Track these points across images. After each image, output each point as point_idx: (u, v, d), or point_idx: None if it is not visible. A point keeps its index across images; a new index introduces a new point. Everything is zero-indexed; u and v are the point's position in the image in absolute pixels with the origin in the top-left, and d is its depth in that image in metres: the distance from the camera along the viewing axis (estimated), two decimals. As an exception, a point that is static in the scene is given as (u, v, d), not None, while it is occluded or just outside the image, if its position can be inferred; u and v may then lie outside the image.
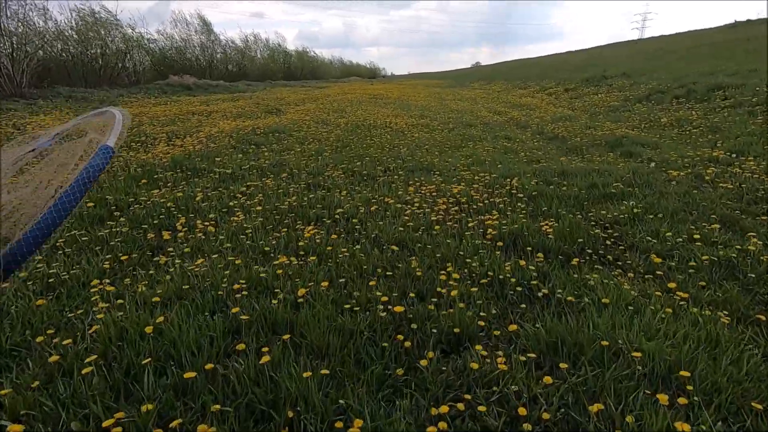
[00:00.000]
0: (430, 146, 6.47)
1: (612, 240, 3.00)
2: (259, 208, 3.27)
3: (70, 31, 16.98)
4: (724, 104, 8.35)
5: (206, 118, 9.00)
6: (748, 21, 22.57)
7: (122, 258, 2.51)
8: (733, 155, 5.25)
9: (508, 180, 4.29)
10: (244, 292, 2.05)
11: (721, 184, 4.13)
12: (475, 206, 3.57)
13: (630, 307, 2.06)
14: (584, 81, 17.43)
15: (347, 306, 1.99)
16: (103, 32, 18.30)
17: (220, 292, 2.05)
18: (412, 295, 2.15)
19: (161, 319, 1.83)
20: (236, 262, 2.35)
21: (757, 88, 8.60)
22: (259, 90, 20.91)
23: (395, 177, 4.53)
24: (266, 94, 18.06)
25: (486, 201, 3.65)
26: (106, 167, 1.27)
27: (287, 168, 4.76)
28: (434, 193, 3.86)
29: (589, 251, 2.80)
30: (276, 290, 2.10)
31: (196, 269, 2.31)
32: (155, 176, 4.26)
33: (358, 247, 2.72)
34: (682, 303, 2.11)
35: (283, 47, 38.34)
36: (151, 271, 2.33)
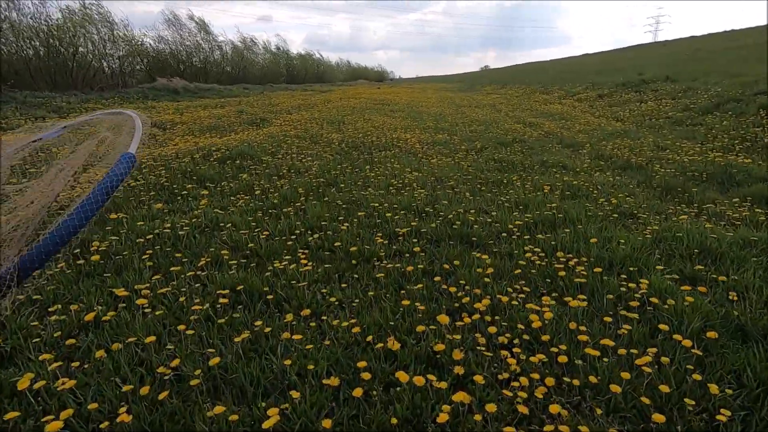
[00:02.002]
0: (456, 181, 4.45)
1: None
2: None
3: (47, 29, 15.22)
4: None
5: (163, 133, 7.06)
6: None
7: None
8: None
9: (625, 281, 2.25)
10: None
11: None
12: (602, 398, 1.54)
13: None
14: (620, 86, 15.29)
15: None
16: (87, 30, 16.54)
17: None
18: None
19: None
20: None
21: None
22: (253, 94, 19.03)
23: (406, 261, 2.51)
24: (259, 99, 16.16)
25: (617, 362, 1.62)
26: (129, 175, 1.22)
27: (217, 239, 2.76)
28: (493, 329, 1.83)
29: None
30: None
31: None
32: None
33: None
34: None
35: (285, 50, 36.67)
36: None
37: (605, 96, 14.33)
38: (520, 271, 2.39)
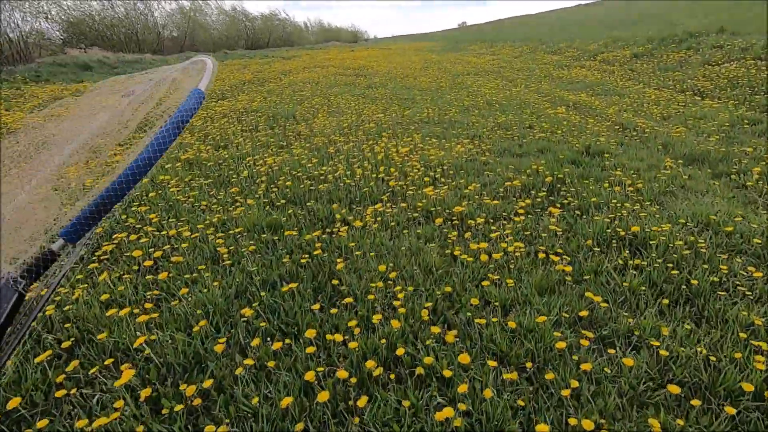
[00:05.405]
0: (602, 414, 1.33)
1: None
2: None
3: None
4: None
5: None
6: None
7: None
8: None
9: None
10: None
11: None
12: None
13: None
14: (657, 42, 12.03)
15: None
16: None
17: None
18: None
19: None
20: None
21: None
22: (194, 67, 15.05)
23: None
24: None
25: None
26: (198, 110, 1.14)
27: None
28: None
29: None
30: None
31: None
32: None
33: None
34: None
35: (242, 10, 31.86)
36: None
37: (643, 55, 11.10)
38: None
